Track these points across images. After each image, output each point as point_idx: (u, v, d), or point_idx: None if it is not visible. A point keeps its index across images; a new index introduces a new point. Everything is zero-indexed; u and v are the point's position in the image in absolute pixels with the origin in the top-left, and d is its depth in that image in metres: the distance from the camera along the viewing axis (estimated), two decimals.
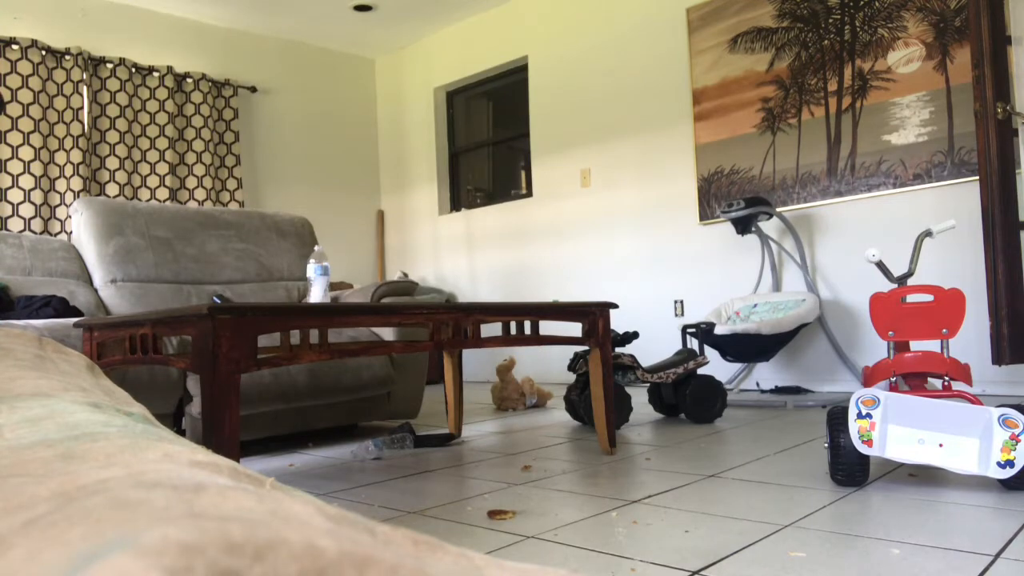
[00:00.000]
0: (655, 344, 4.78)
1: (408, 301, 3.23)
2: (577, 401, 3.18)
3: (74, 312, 2.81)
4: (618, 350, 3.17)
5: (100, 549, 0.24)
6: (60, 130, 4.84)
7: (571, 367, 3.22)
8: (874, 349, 3.96)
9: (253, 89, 5.82)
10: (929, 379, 2.18)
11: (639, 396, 4.14)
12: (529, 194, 5.66)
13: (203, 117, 5.45)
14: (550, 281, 5.41)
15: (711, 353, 4.52)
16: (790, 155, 4.23)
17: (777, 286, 4.25)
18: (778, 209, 4.17)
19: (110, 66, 5.07)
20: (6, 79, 4.65)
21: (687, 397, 3.12)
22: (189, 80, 5.43)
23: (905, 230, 3.86)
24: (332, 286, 5.10)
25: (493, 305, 2.25)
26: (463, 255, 5.99)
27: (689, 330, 3.50)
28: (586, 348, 3.22)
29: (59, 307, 2.76)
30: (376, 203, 6.69)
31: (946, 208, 3.75)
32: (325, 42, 6.27)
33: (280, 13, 5.60)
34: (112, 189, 5.03)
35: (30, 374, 0.69)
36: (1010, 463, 1.70)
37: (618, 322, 4.97)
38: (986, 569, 1.27)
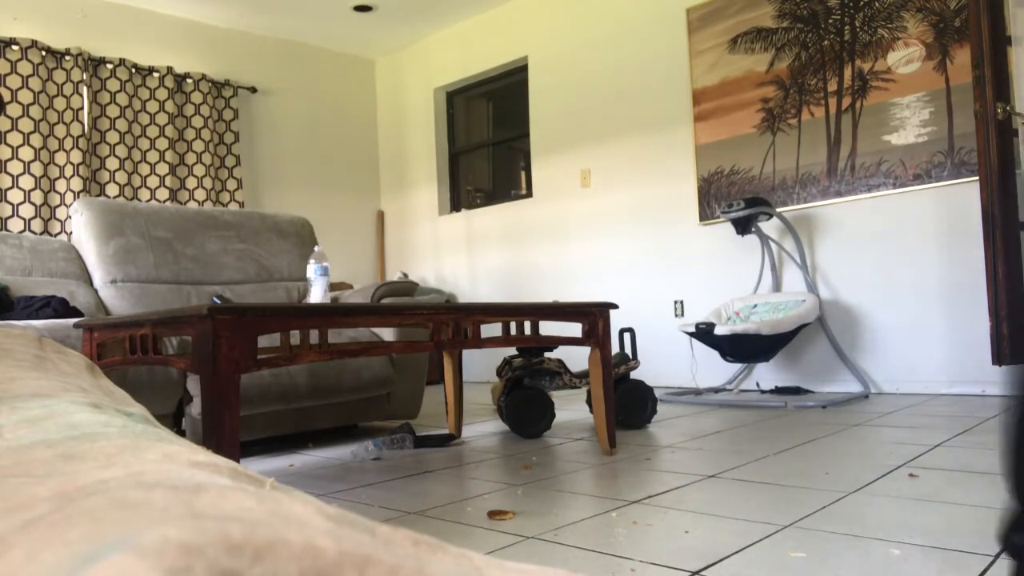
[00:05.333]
0: (656, 345, 4.78)
1: (408, 301, 3.24)
2: (503, 406, 3.03)
3: (74, 312, 2.81)
4: (545, 355, 3.12)
5: (100, 549, 0.24)
6: (60, 130, 4.84)
7: (499, 372, 3.13)
8: (874, 349, 3.96)
9: (253, 89, 5.82)
10: None
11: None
12: (529, 194, 5.65)
13: (203, 118, 5.45)
14: (550, 281, 5.41)
15: (703, 354, 4.52)
16: (790, 155, 4.23)
17: (777, 286, 4.25)
18: (778, 209, 4.17)
19: (110, 66, 5.07)
20: (6, 80, 4.65)
21: (616, 402, 2.98)
22: (189, 80, 5.43)
23: (905, 230, 3.86)
24: (332, 286, 5.10)
25: (493, 306, 2.25)
26: (463, 255, 5.99)
27: (625, 332, 3.45)
28: (514, 352, 3.15)
29: (59, 307, 2.76)
30: (376, 203, 6.69)
31: (946, 208, 3.75)
32: (325, 42, 6.27)
33: (280, 13, 5.60)
34: (112, 190, 5.03)
35: (30, 374, 0.69)
36: None
37: (618, 322, 4.98)
38: (986, 569, 1.27)
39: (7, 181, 4.64)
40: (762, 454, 2.38)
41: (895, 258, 3.91)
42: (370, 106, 6.69)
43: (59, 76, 4.85)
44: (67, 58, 4.87)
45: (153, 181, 5.22)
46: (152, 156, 5.22)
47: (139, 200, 5.13)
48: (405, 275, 6.24)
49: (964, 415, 3.01)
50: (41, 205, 4.71)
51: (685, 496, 1.87)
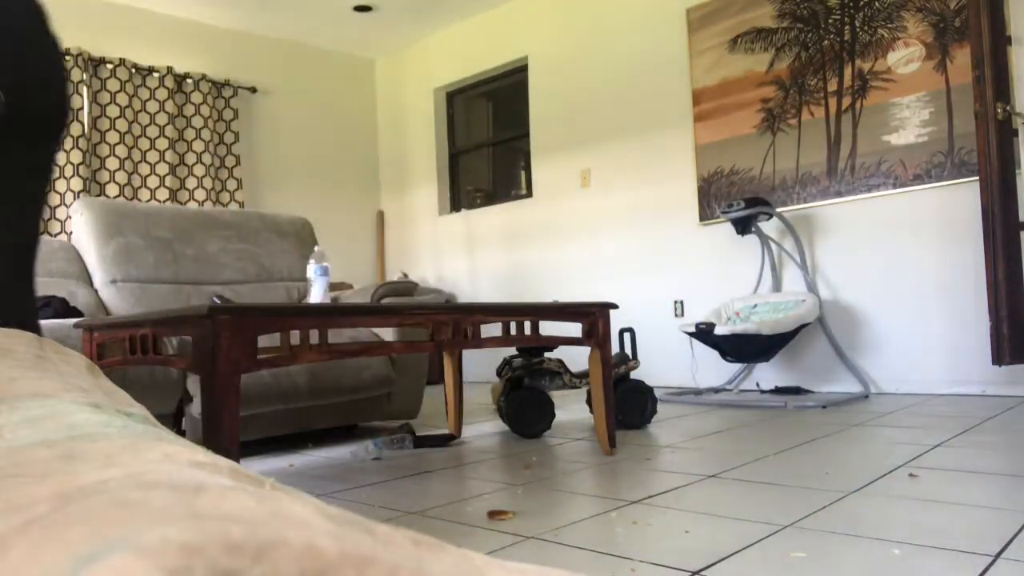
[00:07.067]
0: (656, 345, 4.78)
1: (408, 301, 3.23)
2: (503, 406, 3.03)
3: (74, 313, 2.81)
4: (545, 355, 3.12)
5: (100, 550, 0.24)
6: None
7: (499, 372, 3.13)
8: (874, 349, 3.96)
9: (253, 90, 5.82)
10: None
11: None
12: (529, 194, 5.66)
13: (203, 118, 5.45)
14: (550, 281, 5.41)
15: (703, 354, 4.52)
16: (790, 155, 4.23)
17: (777, 286, 4.25)
18: (778, 209, 4.17)
19: (110, 66, 5.07)
20: None
21: (616, 402, 2.97)
22: (189, 81, 5.43)
23: (905, 230, 3.86)
24: (332, 286, 5.09)
25: (493, 305, 2.25)
26: (463, 255, 5.99)
27: (625, 332, 3.45)
28: (514, 353, 3.17)
29: (59, 308, 2.76)
30: (376, 203, 6.69)
31: (946, 208, 3.75)
32: (325, 42, 6.27)
33: (280, 14, 5.60)
34: (112, 190, 5.03)
35: (30, 374, 0.69)
36: None
37: (618, 322, 4.97)
38: (986, 569, 1.27)
39: None
40: (762, 454, 2.38)
41: (895, 258, 3.91)
42: (370, 106, 6.69)
43: None
44: (67, 58, 4.87)
45: (153, 181, 5.22)
46: (152, 156, 5.22)
47: (139, 200, 5.13)
48: (405, 275, 6.24)
49: (964, 415, 3.01)
50: None
51: (685, 496, 1.87)
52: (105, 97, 5.06)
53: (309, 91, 6.23)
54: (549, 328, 4.60)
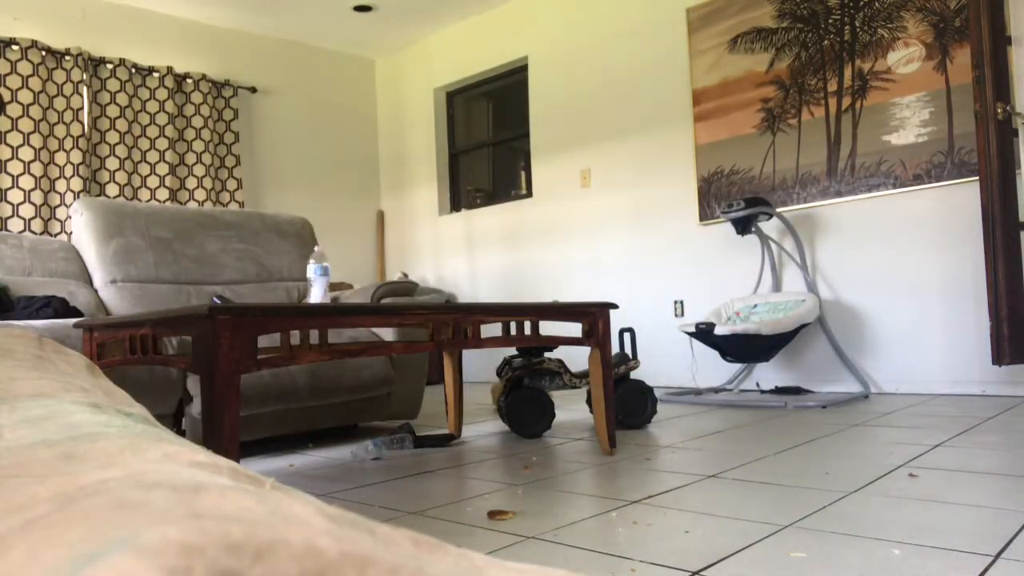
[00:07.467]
0: (656, 345, 4.78)
1: (408, 301, 3.23)
2: (503, 406, 3.02)
3: (74, 313, 2.81)
4: (545, 355, 3.12)
5: (100, 549, 0.24)
6: (60, 130, 4.84)
7: (499, 372, 3.14)
8: (874, 349, 3.96)
9: (253, 89, 5.82)
10: None
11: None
12: (529, 194, 5.65)
13: (203, 118, 5.45)
14: (550, 281, 5.41)
15: (703, 354, 4.52)
16: (790, 155, 4.23)
17: (777, 286, 4.25)
18: (778, 209, 4.17)
19: (110, 67, 5.07)
20: (6, 80, 4.65)
21: (616, 402, 2.99)
22: (189, 81, 5.43)
23: (905, 230, 3.86)
24: (332, 286, 5.10)
25: (493, 305, 2.25)
26: (463, 255, 5.99)
27: (625, 332, 3.44)
28: (514, 353, 3.15)
29: (59, 308, 2.76)
30: (376, 203, 6.69)
31: (946, 208, 3.75)
32: (325, 42, 6.27)
33: (280, 13, 5.60)
34: (112, 190, 5.03)
35: (30, 374, 0.69)
36: None
37: (618, 322, 4.98)
38: (986, 569, 1.27)
39: (7, 181, 4.64)
40: (762, 454, 2.38)
41: (895, 258, 3.91)
42: (370, 106, 6.69)
43: (59, 76, 4.85)
44: (67, 58, 4.87)
45: (153, 181, 5.22)
46: (152, 156, 5.22)
47: (139, 200, 5.13)
48: (405, 275, 6.24)
49: (964, 415, 3.01)
50: (41, 205, 4.71)
51: (685, 496, 1.87)
52: (105, 97, 5.06)
53: (309, 91, 6.23)
54: (549, 328, 4.62)
